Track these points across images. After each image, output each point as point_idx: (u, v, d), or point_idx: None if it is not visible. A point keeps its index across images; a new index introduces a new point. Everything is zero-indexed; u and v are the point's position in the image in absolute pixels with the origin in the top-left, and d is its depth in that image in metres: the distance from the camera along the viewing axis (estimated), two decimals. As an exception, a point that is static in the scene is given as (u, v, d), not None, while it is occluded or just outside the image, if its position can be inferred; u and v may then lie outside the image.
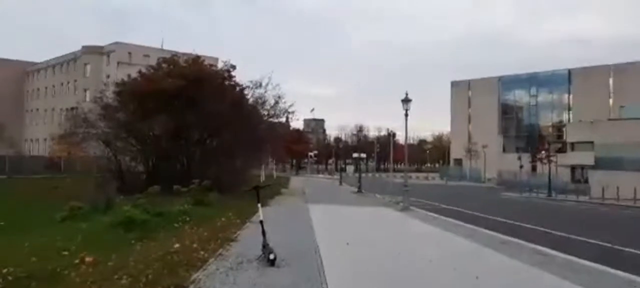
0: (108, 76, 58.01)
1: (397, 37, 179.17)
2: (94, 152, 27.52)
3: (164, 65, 28.50)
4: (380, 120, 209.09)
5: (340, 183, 46.32)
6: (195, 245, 9.03)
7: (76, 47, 79.69)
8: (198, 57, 28.10)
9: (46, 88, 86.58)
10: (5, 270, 6.53)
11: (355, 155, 57.88)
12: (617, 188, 33.67)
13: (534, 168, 60.00)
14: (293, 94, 69.27)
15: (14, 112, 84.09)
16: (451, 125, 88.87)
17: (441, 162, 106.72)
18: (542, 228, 16.08)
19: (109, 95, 27.20)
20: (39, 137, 77.13)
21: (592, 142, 46.06)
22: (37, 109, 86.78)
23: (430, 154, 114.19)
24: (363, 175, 42.54)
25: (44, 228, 11.43)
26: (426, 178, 77.59)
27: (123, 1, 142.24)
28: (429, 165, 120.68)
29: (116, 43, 75.35)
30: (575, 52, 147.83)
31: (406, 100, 22.10)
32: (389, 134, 51.52)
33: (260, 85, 27.94)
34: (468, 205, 25.64)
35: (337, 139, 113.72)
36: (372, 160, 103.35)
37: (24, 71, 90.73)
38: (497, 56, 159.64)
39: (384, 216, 18.13)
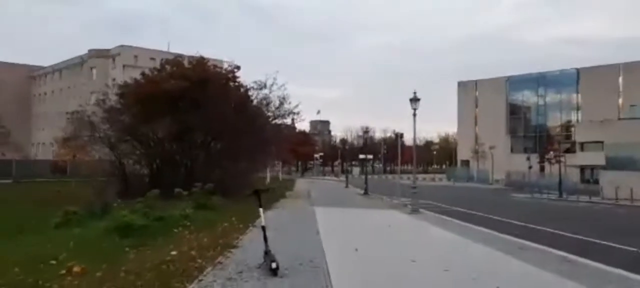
0: (114, 79, 57.95)
1: (402, 38, 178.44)
2: (98, 156, 27.19)
3: (167, 66, 28.09)
4: (385, 122, 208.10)
5: (347, 185, 45.65)
6: (193, 253, 8.46)
7: (82, 51, 79.84)
8: (202, 58, 27.58)
9: (53, 91, 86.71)
10: (-19, 283, 6.01)
11: (361, 156, 57.13)
12: (631, 189, 32.80)
13: (542, 169, 59.00)
14: (298, 97, 68.40)
15: (21, 116, 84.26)
16: (458, 126, 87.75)
17: (448, 163, 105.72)
18: (561, 232, 15.35)
19: (112, 98, 26.85)
20: (46, 140, 77.04)
21: (602, 142, 45.12)
22: (44, 113, 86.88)
23: (437, 155, 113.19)
24: (369, 176, 41.92)
25: (36, 235, 10.88)
26: (433, 179, 76.75)
27: (129, 5, 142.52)
28: (435, 166, 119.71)
29: (122, 46, 75.34)
30: (581, 53, 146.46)
31: (414, 100, 21.44)
32: (396, 135, 50.76)
33: (265, 85, 27.42)
34: (478, 207, 24.93)
35: (343, 141, 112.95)
36: (379, 162, 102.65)
37: (30, 75, 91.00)
38: (502, 57, 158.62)
39: (393, 219, 17.47)
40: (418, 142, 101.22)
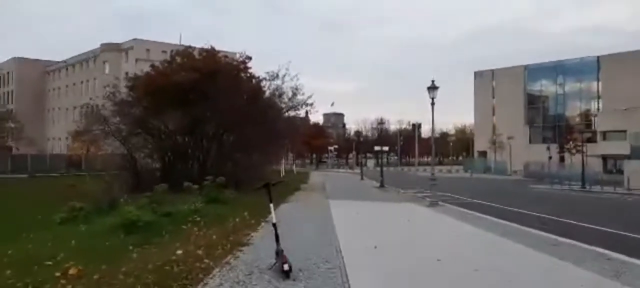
0: (127, 73, 57.77)
1: (417, 31, 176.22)
2: (110, 149, 26.88)
3: (177, 58, 27.57)
4: (400, 114, 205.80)
5: (362, 177, 44.89)
6: (200, 252, 7.84)
7: (95, 45, 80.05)
8: (213, 49, 26.98)
9: (67, 86, 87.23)
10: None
11: (376, 148, 56.26)
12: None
13: (561, 160, 57.59)
14: (311, 90, 67.59)
15: (36, 111, 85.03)
16: (475, 117, 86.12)
17: (464, 154, 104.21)
18: (592, 225, 14.41)
19: (122, 91, 26.48)
20: (61, 135, 77.57)
21: (625, 131, 43.76)
22: (58, 108, 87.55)
23: (453, 147, 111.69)
24: (384, 169, 41.14)
25: (39, 232, 10.39)
26: (449, 171, 75.62)
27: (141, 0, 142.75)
28: (452, 157, 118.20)
29: (134, 40, 75.35)
30: (599, 42, 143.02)
31: (433, 88, 20.55)
32: (413, 126, 49.88)
33: (277, 76, 26.78)
34: (498, 199, 24.05)
35: (358, 133, 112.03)
36: (394, 155, 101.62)
37: (44, 70, 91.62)
38: (518, 46, 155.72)
39: (412, 213, 16.71)
40: (435, 133, 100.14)
